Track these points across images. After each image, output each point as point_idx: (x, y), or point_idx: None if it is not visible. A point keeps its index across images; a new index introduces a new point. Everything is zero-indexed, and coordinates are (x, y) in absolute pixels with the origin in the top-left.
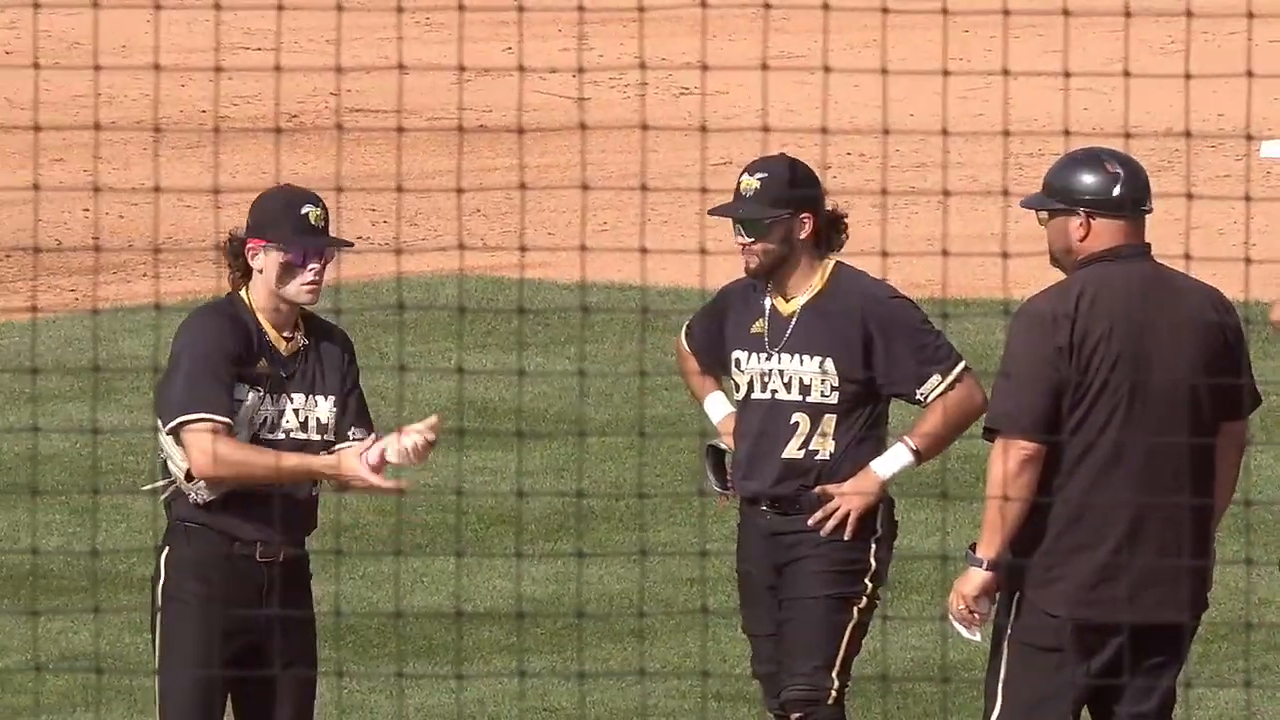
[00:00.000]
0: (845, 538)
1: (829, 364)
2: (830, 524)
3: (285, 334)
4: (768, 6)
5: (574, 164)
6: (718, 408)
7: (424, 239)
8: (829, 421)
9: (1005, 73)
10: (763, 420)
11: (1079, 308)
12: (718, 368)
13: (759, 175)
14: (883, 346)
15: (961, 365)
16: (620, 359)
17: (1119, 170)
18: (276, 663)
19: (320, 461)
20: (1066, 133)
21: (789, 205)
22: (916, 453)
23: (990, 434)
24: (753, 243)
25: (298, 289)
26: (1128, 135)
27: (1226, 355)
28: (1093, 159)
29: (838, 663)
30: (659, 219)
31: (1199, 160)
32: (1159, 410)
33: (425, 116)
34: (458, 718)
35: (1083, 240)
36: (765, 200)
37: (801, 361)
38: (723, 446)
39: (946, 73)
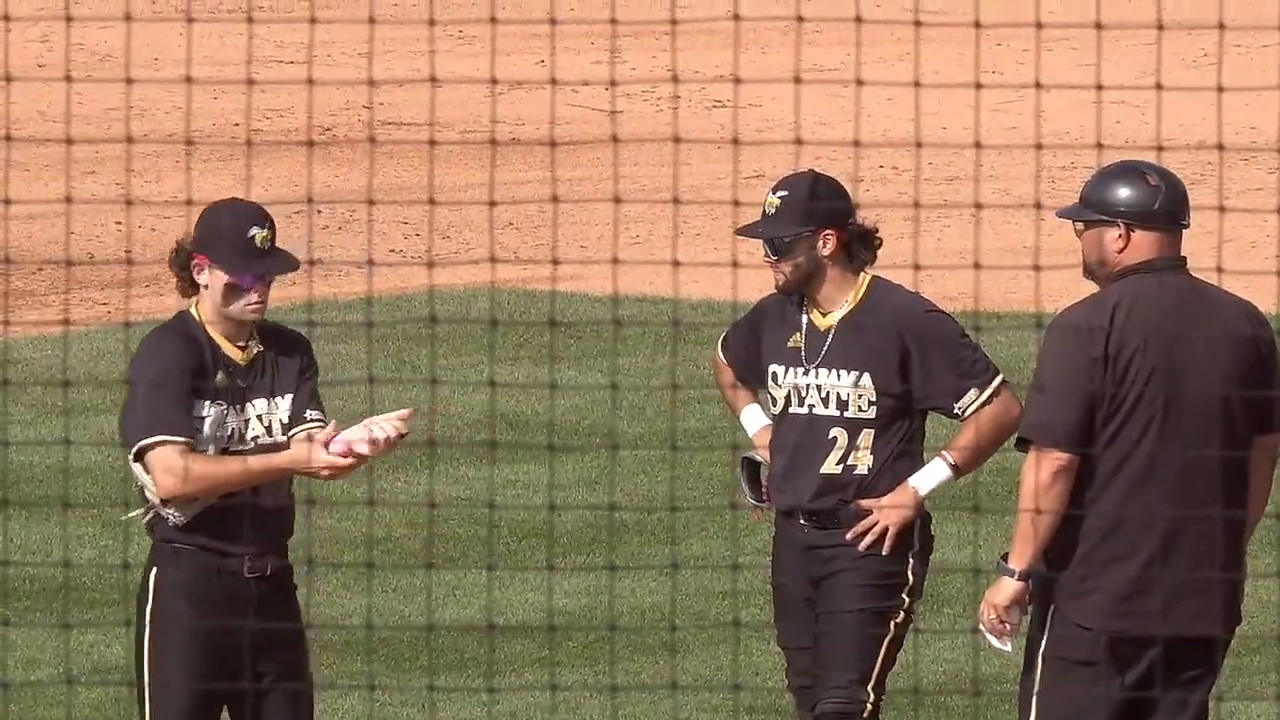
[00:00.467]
0: (883, 552)
1: (866, 379)
2: (868, 539)
3: (240, 344)
4: (800, 19)
5: (606, 177)
6: (753, 420)
7: (456, 252)
8: (867, 436)
9: (1038, 85)
10: (800, 434)
11: (1115, 320)
12: (753, 380)
13: (780, 194)
14: (919, 361)
15: (999, 379)
16: (652, 372)
17: (1160, 183)
18: (270, 678)
19: (283, 458)
20: (1099, 146)
21: (810, 222)
22: (955, 467)
23: (1023, 445)
24: (778, 260)
25: (241, 309)
26: (1160, 148)
27: (1260, 369)
28: (1134, 171)
29: (873, 676)
30: (691, 232)
31: (1231, 173)
32: (1193, 423)
33: (458, 129)
34: None
35: (1120, 252)
36: (787, 218)
37: (839, 376)
38: (758, 459)
39: (979, 85)
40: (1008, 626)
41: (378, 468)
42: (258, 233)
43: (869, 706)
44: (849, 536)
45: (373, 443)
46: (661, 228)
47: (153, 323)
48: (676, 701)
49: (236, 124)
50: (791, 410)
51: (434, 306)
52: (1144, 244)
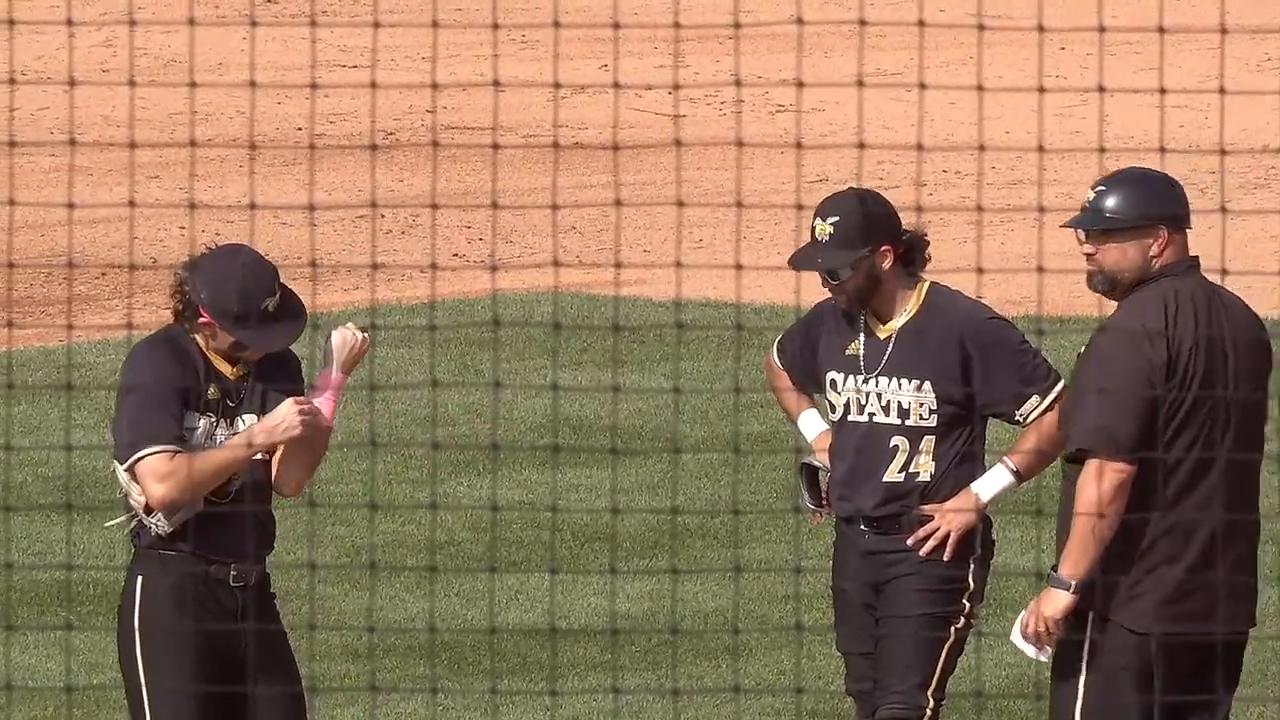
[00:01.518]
0: (945, 558)
1: (927, 386)
2: (930, 544)
3: (231, 361)
4: (863, 24)
5: (669, 181)
6: (812, 425)
7: (519, 256)
8: (928, 443)
9: (1101, 90)
10: (860, 442)
11: (1169, 323)
12: (810, 384)
13: (831, 220)
14: (981, 367)
15: (1061, 384)
16: (715, 376)
17: (1178, 184)
18: (262, 683)
19: (256, 429)
20: (1162, 150)
21: (867, 243)
22: (1016, 473)
23: (1080, 455)
24: (839, 284)
25: (244, 356)
26: (1223, 152)
27: (1266, 372)
28: (1156, 176)
29: (933, 681)
30: (754, 236)
31: None
32: (1229, 425)
33: (521, 133)
34: None
35: (1157, 256)
36: (842, 243)
37: (900, 385)
38: (816, 464)
39: (1042, 90)
40: (1052, 638)
41: (441, 471)
42: (269, 301)
43: (928, 712)
44: (910, 542)
45: (343, 336)
46: (724, 232)
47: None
48: (739, 705)
49: (300, 128)
50: (851, 417)
51: (497, 310)
52: (1176, 247)
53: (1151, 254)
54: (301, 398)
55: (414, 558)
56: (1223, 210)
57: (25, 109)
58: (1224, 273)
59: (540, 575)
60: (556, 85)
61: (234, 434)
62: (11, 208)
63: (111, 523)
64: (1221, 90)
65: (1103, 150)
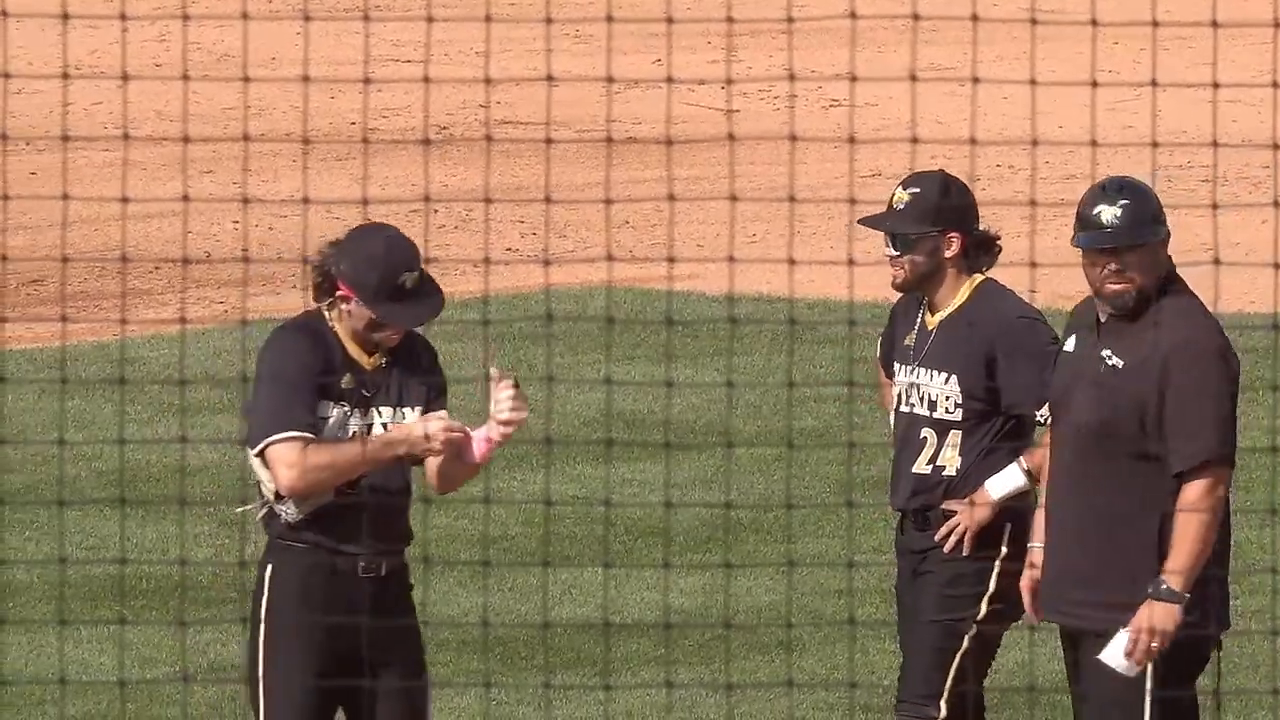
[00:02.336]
0: (964, 553)
1: (953, 381)
2: (951, 540)
3: (369, 350)
4: (916, 18)
5: (722, 176)
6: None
7: (572, 250)
8: (954, 437)
9: (1154, 84)
10: (903, 434)
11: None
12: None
13: (911, 190)
14: (1006, 366)
15: None
16: (768, 370)
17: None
18: (385, 677)
19: (395, 431)
20: (1215, 144)
21: (938, 222)
22: (1029, 473)
23: (1200, 468)
24: (899, 256)
25: (380, 338)
26: (1276, 146)
27: None
28: (1142, 184)
29: (945, 691)
30: (807, 231)
31: None
32: None
33: (574, 128)
34: None
35: (1167, 259)
36: (915, 216)
37: (932, 377)
38: None
39: (1095, 84)
40: (1157, 651)
41: (494, 466)
42: (408, 277)
43: (941, 714)
44: (936, 538)
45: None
46: (778, 226)
47: (270, 321)
48: (792, 700)
49: (353, 123)
50: (900, 409)
51: (550, 305)
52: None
53: (1164, 260)
54: (454, 422)
55: (467, 552)
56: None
57: (79, 104)
58: (1277, 267)
59: (593, 570)
60: (610, 80)
61: (367, 425)
62: (65, 202)
63: (242, 509)
64: (1275, 85)
65: (1155, 145)
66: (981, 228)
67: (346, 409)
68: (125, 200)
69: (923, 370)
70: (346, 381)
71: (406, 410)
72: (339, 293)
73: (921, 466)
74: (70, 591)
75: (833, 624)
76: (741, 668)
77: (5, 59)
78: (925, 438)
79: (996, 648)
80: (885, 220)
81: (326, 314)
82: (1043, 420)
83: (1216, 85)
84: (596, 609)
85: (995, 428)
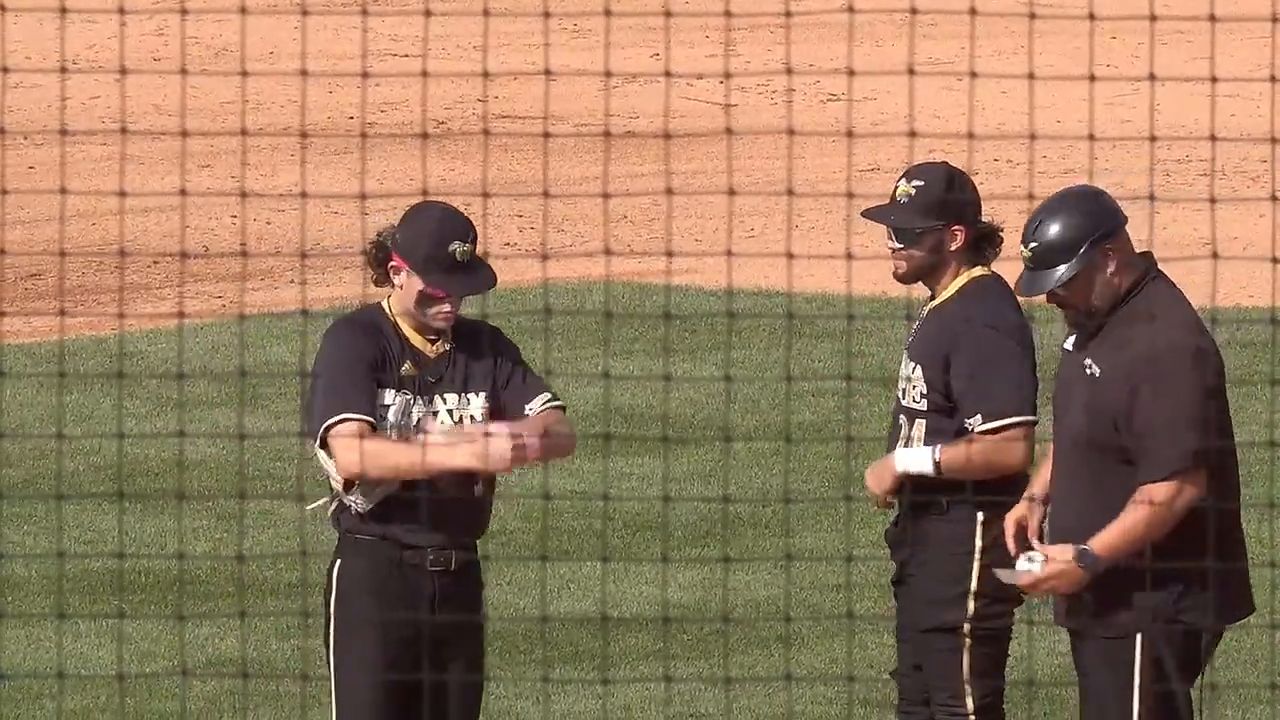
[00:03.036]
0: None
1: (919, 372)
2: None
3: (430, 337)
4: (914, 12)
5: (720, 170)
6: None
7: (570, 245)
8: (919, 428)
9: (1152, 78)
10: (891, 422)
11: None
12: None
13: (915, 183)
14: (956, 368)
15: (1012, 420)
16: (766, 365)
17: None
18: (450, 669)
19: (463, 454)
20: (1213, 138)
21: (942, 216)
22: (937, 464)
23: (1169, 479)
24: (902, 249)
25: (432, 315)
26: (1274, 140)
27: None
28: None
29: (966, 684)
30: (805, 225)
31: None
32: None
33: (572, 122)
34: None
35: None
36: (918, 209)
37: (908, 365)
38: None
39: (1093, 78)
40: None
41: None
42: (458, 247)
43: (972, 716)
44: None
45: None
46: (776, 221)
47: (269, 317)
48: (790, 694)
49: (351, 117)
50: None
51: (548, 299)
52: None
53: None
54: (518, 433)
55: None
56: (1274, 199)
57: (77, 98)
58: (1275, 261)
59: (592, 564)
60: (608, 74)
61: (432, 411)
62: (63, 197)
63: (313, 505)
64: (1273, 79)
65: (1154, 139)
66: (985, 219)
67: (409, 396)
68: (123, 194)
69: (907, 359)
70: (407, 369)
71: (471, 396)
72: (391, 264)
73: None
74: (69, 586)
75: (831, 618)
76: (740, 662)
77: (3, 53)
78: (900, 425)
79: (1006, 639)
80: (889, 214)
81: (386, 306)
82: (969, 429)
83: (1214, 79)
84: (595, 603)
85: (959, 424)
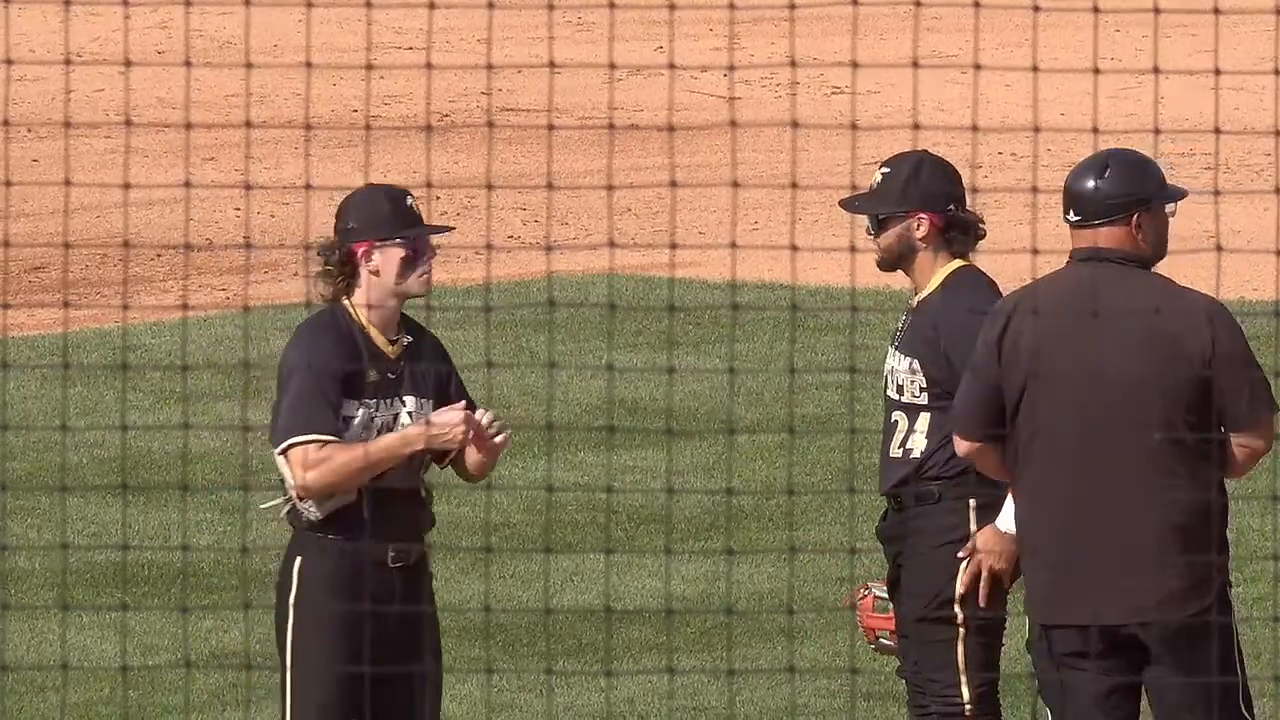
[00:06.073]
0: (982, 605)
1: (917, 365)
2: (983, 593)
3: (390, 336)
4: (919, 5)
5: (724, 163)
6: None
7: (575, 238)
8: (921, 421)
9: (1156, 71)
10: (884, 418)
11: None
12: None
13: (884, 171)
14: (956, 361)
15: None
16: (770, 358)
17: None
18: (413, 662)
19: (408, 433)
20: (1217, 131)
21: (905, 203)
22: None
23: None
24: (874, 237)
25: (417, 281)
26: (1278, 133)
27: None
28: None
29: (962, 675)
30: (809, 218)
31: None
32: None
33: (576, 115)
34: (607, 716)
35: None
36: (884, 196)
37: (900, 361)
38: None
39: (1097, 71)
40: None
41: None
42: (410, 200)
43: (967, 706)
44: (959, 590)
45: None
46: (779, 213)
47: (272, 309)
48: (794, 686)
49: (355, 110)
50: (885, 392)
51: (552, 292)
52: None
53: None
54: (470, 412)
55: (469, 539)
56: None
57: (81, 90)
58: (1279, 254)
59: (595, 557)
60: (612, 67)
61: (393, 415)
62: (67, 189)
63: (267, 505)
64: (1277, 72)
65: (1157, 132)
66: (963, 208)
67: (372, 408)
68: (127, 187)
69: (896, 354)
70: (373, 377)
71: (425, 402)
72: (360, 253)
73: (894, 451)
74: (72, 578)
75: (834, 611)
76: (743, 654)
77: (8, 46)
78: (896, 421)
79: (1001, 630)
80: (854, 201)
81: (348, 305)
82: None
83: (1219, 72)
84: (598, 596)
85: None
